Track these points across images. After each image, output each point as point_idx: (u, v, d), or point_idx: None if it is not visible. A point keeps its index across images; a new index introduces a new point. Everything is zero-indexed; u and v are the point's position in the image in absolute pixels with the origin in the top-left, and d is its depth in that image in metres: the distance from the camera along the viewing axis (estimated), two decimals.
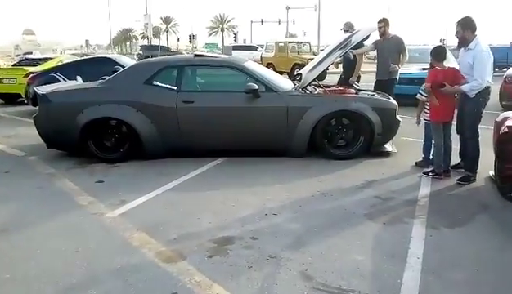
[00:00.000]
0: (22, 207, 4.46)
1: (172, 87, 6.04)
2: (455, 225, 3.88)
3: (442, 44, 14.70)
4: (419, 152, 5.75)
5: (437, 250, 3.42)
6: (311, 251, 3.43)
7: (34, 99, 7.68)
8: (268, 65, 20.07)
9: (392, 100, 6.30)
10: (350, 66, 7.71)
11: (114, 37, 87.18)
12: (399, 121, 6.15)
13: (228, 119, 5.97)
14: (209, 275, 3.09)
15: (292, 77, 7.48)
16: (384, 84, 7.10)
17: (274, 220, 4.03)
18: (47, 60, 13.78)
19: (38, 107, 6.32)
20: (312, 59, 13.18)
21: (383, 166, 5.71)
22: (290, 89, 6.24)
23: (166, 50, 32.12)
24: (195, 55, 6.89)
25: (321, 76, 7.74)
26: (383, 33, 7.09)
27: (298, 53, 22.28)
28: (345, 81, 7.66)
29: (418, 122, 5.56)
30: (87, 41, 62.50)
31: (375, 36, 7.34)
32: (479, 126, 5.00)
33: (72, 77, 8.08)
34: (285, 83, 6.55)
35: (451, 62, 5.75)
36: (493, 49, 18.91)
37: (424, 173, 5.26)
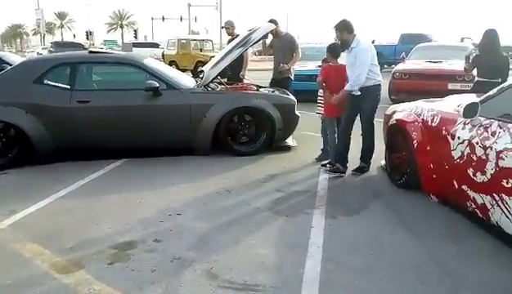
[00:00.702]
0: None
1: (66, 86, 5.68)
2: (352, 213, 4.09)
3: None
4: (318, 145, 5.98)
5: (335, 238, 3.58)
6: (216, 249, 3.42)
7: None
8: (171, 63, 19.73)
9: (292, 97, 6.49)
10: (238, 63, 7.75)
11: (1, 33, 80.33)
12: (298, 116, 6.37)
13: (128, 118, 5.75)
14: (110, 283, 2.95)
15: (195, 74, 7.42)
16: (279, 83, 7.21)
17: (178, 221, 3.96)
18: None
19: None
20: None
21: (284, 160, 5.86)
22: (193, 86, 6.18)
23: (81, 47, 30.20)
24: (90, 52, 6.53)
25: (224, 74, 7.74)
26: (275, 33, 7.19)
27: (201, 50, 22.18)
28: (234, 77, 7.60)
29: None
30: None
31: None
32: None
33: None
34: (187, 81, 6.46)
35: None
36: (382, 47, 20.27)
37: (323, 165, 5.49)
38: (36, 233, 3.70)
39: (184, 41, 22.91)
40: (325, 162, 5.51)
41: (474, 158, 3.59)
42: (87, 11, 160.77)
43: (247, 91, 6.50)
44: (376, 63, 5.13)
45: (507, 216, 3.23)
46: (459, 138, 3.84)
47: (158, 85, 5.72)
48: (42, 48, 37.13)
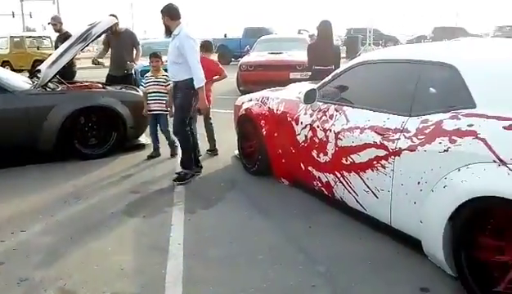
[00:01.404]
0: None
1: None
2: (211, 205, 4.12)
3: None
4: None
5: (196, 232, 3.57)
6: (68, 263, 3.15)
7: None
8: (4, 63, 17.73)
9: (141, 93, 6.28)
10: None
11: None
12: None
13: None
14: None
15: (32, 75, 6.73)
16: (121, 79, 6.89)
17: (23, 237, 3.56)
18: None
19: None
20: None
21: (139, 159, 5.67)
22: (28, 88, 5.60)
23: None
24: None
25: (71, 73, 7.17)
26: (114, 30, 6.87)
27: (38, 48, 20.28)
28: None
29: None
30: None
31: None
32: (218, 110, 5.38)
33: None
34: (20, 82, 5.83)
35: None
36: (228, 40, 20.69)
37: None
38: None
39: (18, 38, 20.74)
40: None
41: (317, 140, 3.86)
42: None
43: (92, 89, 6.11)
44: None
45: (349, 192, 3.54)
46: (302, 123, 4.09)
47: None
48: None
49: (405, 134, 3.01)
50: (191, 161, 4.94)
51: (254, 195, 4.36)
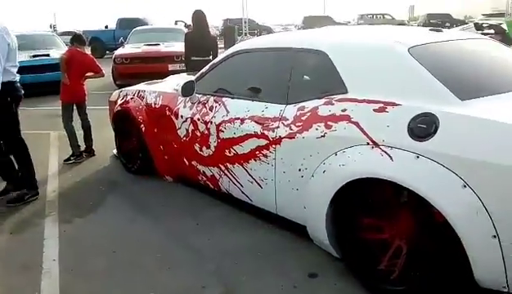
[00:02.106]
0: None
1: None
2: (89, 212, 3.80)
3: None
4: (47, 144, 5.40)
5: (73, 245, 3.25)
6: None
7: None
8: None
9: None
10: None
11: None
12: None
13: None
14: None
15: None
16: None
17: None
18: None
19: None
20: None
21: None
22: None
23: None
24: None
25: None
26: None
27: None
28: None
29: None
30: None
31: None
32: (94, 107, 5.04)
33: None
34: None
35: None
36: (101, 32, 19.52)
37: (65, 161, 5.11)
38: None
39: None
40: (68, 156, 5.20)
41: (198, 134, 3.74)
42: None
43: None
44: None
45: (234, 184, 3.49)
46: (182, 117, 3.94)
47: None
48: None
49: (283, 122, 3.02)
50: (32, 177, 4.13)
51: (137, 196, 4.12)
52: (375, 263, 2.57)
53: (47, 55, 10.56)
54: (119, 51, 10.89)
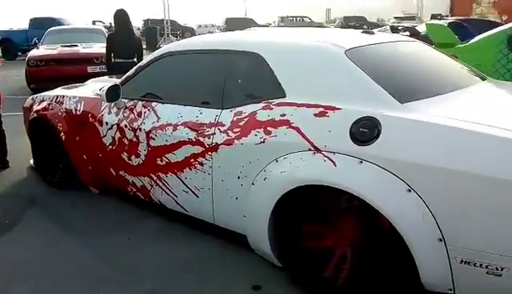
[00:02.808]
0: None
1: None
2: (5, 232, 3.40)
3: None
4: None
5: None
6: None
7: None
8: None
9: None
10: None
11: None
12: None
13: None
14: None
15: None
16: None
17: None
18: None
19: None
20: None
21: None
22: None
23: None
24: None
25: None
26: None
27: None
28: None
29: None
30: None
31: None
32: (8, 113, 4.58)
33: None
34: None
35: None
36: (12, 33, 18.22)
37: None
38: None
39: None
40: None
41: (126, 141, 3.49)
42: None
43: None
44: None
45: (168, 194, 3.29)
46: (107, 123, 3.66)
47: None
48: None
49: (219, 128, 2.87)
50: None
51: (60, 211, 3.76)
52: (319, 271, 2.50)
53: None
54: (33, 53, 10.13)
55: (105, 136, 3.68)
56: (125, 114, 3.52)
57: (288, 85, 2.69)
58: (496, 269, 1.97)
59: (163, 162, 3.22)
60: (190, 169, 3.05)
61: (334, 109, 2.42)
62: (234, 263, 2.89)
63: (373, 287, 2.32)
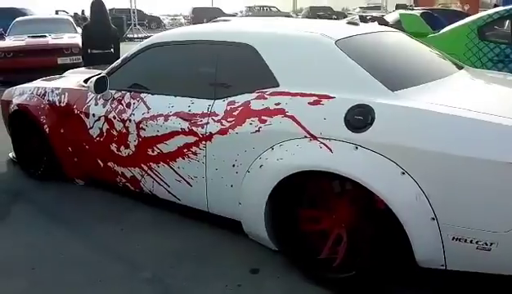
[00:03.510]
0: None
1: None
2: None
3: None
4: None
5: None
6: None
7: None
8: None
9: None
10: None
11: None
12: None
13: None
14: None
15: None
16: None
17: None
18: None
19: None
20: None
21: None
22: None
23: None
24: None
25: None
26: None
27: None
28: None
29: None
30: None
31: None
32: None
33: None
34: None
35: None
36: None
37: None
38: None
39: None
40: None
41: (115, 133, 3.49)
42: None
43: None
44: None
45: (159, 184, 3.32)
46: (94, 115, 3.64)
47: None
48: None
49: (213, 118, 2.92)
50: None
51: (46, 204, 3.74)
52: (315, 253, 2.61)
53: None
54: (0, 44, 9.81)
55: (91, 128, 3.67)
56: (113, 105, 3.52)
57: (281, 75, 2.76)
58: (486, 244, 2.12)
59: (155, 153, 3.25)
60: (183, 158, 3.09)
61: (328, 97, 2.52)
62: (229, 249, 2.96)
63: (367, 266, 2.44)
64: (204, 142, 2.96)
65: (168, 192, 3.31)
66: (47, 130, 4.01)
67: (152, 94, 3.35)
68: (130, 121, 3.36)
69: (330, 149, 2.41)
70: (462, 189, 2.15)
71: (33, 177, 4.25)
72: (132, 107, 3.39)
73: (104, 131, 3.58)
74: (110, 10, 29.58)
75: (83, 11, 16.04)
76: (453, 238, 2.18)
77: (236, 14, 38.50)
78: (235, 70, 3.03)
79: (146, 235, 3.18)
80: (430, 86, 2.69)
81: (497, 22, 5.91)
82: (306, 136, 2.51)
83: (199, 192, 3.09)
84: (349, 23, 3.29)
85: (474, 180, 2.12)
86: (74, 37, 10.18)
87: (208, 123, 2.94)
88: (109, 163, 3.65)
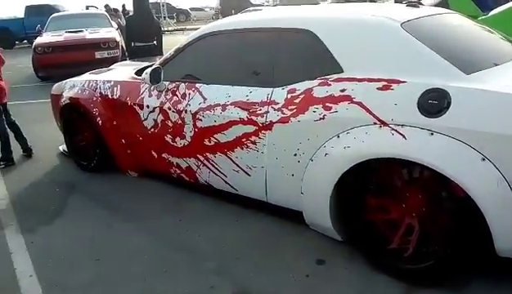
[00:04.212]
0: None
1: None
2: (54, 218, 3.41)
3: None
4: None
5: (47, 257, 2.89)
6: None
7: None
8: None
9: None
10: None
11: None
12: None
13: None
14: None
15: None
16: None
17: None
18: None
19: None
20: None
21: None
22: None
23: None
24: None
25: None
26: None
27: None
28: None
29: None
30: None
31: None
32: (17, 101, 4.53)
33: None
34: None
35: None
36: (8, 22, 18.00)
37: None
38: None
39: None
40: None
41: (170, 124, 3.49)
42: None
43: None
44: None
45: (215, 174, 3.30)
46: (148, 107, 3.65)
47: None
48: None
49: (273, 106, 2.88)
50: None
51: (103, 196, 3.77)
52: (385, 243, 2.54)
53: None
54: (40, 41, 10.00)
55: (145, 120, 3.68)
56: (168, 97, 3.51)
57: (344, 61, 2.68)
58: None
59: (212, 143, 3.23)
60: (242, 148, 3.06)
61: (398, 82, 2.43)
62: (292, 239, 2.92)
63: (443, 257, 2.36)
64: (263, 131, 2.92)
65: (225, 182, 3.29)
66: (99, 122, 4.05)
67: (207, 84, 3.32)
68: (186, 111, 3.35)
69: (404, 136, 2.33)
70: None
71: (86, 170, 4.30)
72: (187, 98, 3.38)
73: (158, 122, 3.58)
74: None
75: (123, 5, 16.17)
76: None
77: (263, 4, 38.18)
78: (294, 57, 2.97)
79: (205, 226, 3.17)
80: (501, 68, 2.56)
81: None
82: (375, 123, 2.44)
83: (258, 182, 3.06)
84: (409, 5, 3.17)
85: None
86: (111, 32, 10.31)
87: (268, 112, 2.89)
88: (163, 154, 3.66)
